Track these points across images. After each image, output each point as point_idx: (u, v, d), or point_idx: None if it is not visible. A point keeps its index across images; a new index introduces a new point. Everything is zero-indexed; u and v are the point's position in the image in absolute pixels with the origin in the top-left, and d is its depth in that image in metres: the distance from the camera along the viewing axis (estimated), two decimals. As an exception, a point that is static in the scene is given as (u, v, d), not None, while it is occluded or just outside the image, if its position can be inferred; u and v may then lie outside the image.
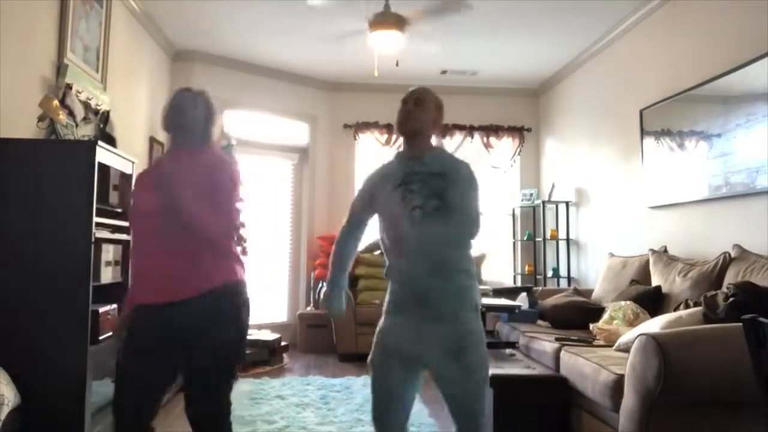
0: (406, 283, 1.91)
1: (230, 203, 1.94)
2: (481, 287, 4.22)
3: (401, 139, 2.10)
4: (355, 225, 2.24)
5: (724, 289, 2.71)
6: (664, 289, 3.36)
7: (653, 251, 3.75)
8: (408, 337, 1.87)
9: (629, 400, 2.21)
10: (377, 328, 1.97)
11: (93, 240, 2.50)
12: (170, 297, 1.84)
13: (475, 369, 1.83)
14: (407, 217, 1.86)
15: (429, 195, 1.88)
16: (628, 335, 2.87)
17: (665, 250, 3.72)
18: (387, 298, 1.99)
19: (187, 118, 2.01)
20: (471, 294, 1.91)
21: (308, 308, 5.86)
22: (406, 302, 1.90)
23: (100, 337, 2.59)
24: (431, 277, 1.86)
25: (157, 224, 1.87)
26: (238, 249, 2.11)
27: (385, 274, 2.01)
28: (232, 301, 1.94)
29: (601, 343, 3.14)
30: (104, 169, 2.69)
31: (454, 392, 1.85)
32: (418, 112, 2.02)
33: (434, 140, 2.07)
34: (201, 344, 1.87)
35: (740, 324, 1.29)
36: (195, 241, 1.86)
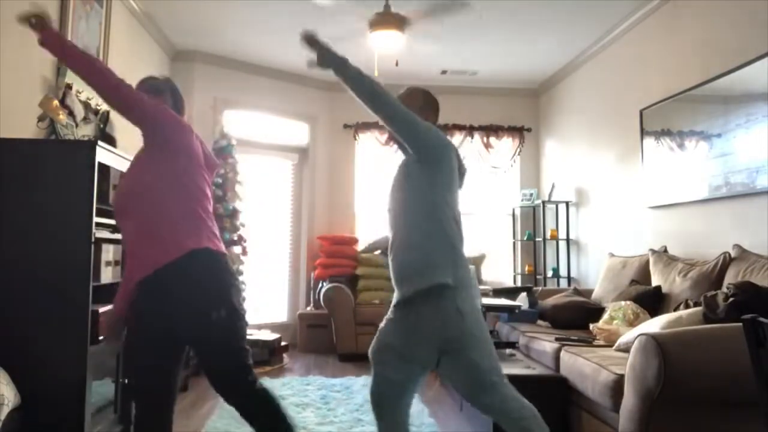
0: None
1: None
2: (481, 287, 4.23)
3: None
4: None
5: (724, 289, 2.71)
6: (664, 289, 3.36)
7: (653, 251, 3.75)
8: None
9: (629, 400, 2.21)
10: None
11: (93, 240, 2.50)
12: None
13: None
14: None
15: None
16: (628, 335, 2.87)
17: (665, 250, 3.72)
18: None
19: None
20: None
21: (308, 308, 5.86)
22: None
23: (100, 337, 2.59)
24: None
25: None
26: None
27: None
28: None
29: (601, 343, 3.14)
30: (104, 169, 2.69)
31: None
32: (407, 101, 2.06)
33: None
34: None
35: (740, 324, 1.29)
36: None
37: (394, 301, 1.97)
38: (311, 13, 4.44)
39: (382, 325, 2.00)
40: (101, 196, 2.63)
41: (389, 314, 1.98)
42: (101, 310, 2.61)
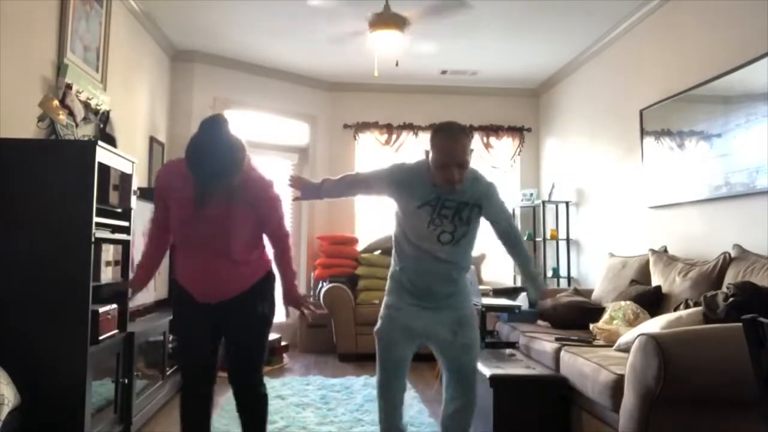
0: (418, 282, 2.22)
1: None
2: (481, 287, 4.23)
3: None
4: (363, 182, 2.42)
5: (724, 289, 2.71)
6: (664, 289, 3.36)
7: (653, 251, 3.75)
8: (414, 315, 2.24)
9: (629, 400, 2.21)
10: (384, 304, 2.32)
11: (93, 240, 2.50)
12: None
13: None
14: (434, 240, 2.15)
15: (459, 223, 2.16)
16: (628, 335, 2.87)
17: (665, 250, 3.72)
18: (394, 282, 2.30)
19: None
20: (469, 290, 2.41)
21: (308, 308, 5.85)
22: (415, 293, 2.23)
23: (100, 337, 2.59)
24: (446, 286, 2.23)
25: None
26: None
27: (399, 265, 2.28)
28: None
29: (601, 343, 3.14)
30: (104, 169, 2.69)
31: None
32: (462, 174, 2.10)
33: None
34: None
35: (740, 324, 1.30)
36: None
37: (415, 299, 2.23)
38: (311, 14, 4.44)
39: (395, 312, 2.25)
40: (101, 196, 2.63)
41: (409, 302, 2.23)
42: (101, 310, 2.61)
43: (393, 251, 2.32)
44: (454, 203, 2.13)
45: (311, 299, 2.16)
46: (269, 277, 2.29)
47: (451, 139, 2.08)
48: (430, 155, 2.12)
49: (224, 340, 2.24)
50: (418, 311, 2.22)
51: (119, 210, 2.97)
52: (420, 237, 2.16)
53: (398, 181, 2.20)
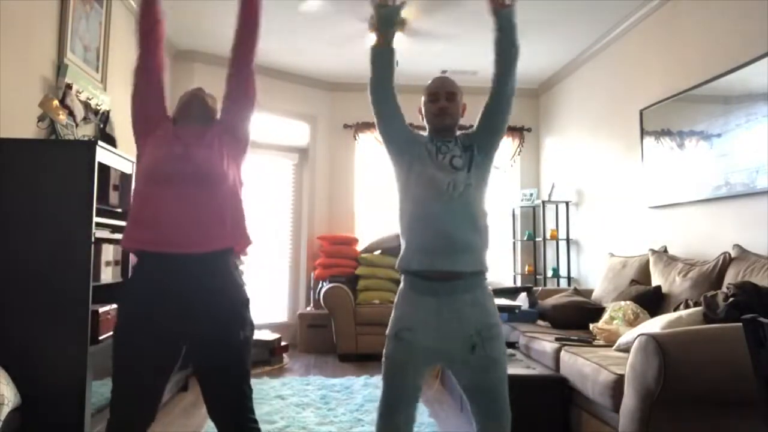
0: (437, 233, 1.92)
1: None
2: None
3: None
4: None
5: (724, 289, 2.71)
6: (664, 289, 3.36)
7: (653, 251, 3.75)
8: None
9: (629, 400, 2.21)
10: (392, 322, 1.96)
11: (93, 240, 2.50)
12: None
13: None
14: (447, 166, 1.96)
15: (465, 151, 2.01)
16: (628, 335, 2.87)
17: (665, 250, 3.72)
18: (402, 285, 1.99)
19: None
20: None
21: (308, 308, 5.86)
22: (431, 251, 1.90)
23: (100, 337, 2.59)
24: (471, 233, 1.93)
25: None
26: None
27: (409, 228, 1.97)
28: None
29: (601, 343, 3.14)
30: (104, 169, 2.69)
31: None
32: (453, 108, 2.08)
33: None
34: None
35: (740, 324, 1.29)
36: None
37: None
38: (311, 14, 4.44)
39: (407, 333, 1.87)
40: (101, 196, 2.63)
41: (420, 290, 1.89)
42: (101, 310, 2.61)
43: (399, 225, 1.98)
44: (452, 142, 2.05)
45: None
46: None
47: (439, 77, 2.16)
48: (422, 108, 2.12)
49: None
50: (430, 316, 1.84)
51: (119, 210, 2.97)
52: (434, 164, 1.95)
53: (409, 128, 2.12)
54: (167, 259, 1.71)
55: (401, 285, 1.96)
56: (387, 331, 1.91)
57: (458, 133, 2.10)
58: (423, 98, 2.12)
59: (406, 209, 1.96)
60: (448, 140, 2.03)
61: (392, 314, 1.94)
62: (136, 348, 1.69)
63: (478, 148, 2.02)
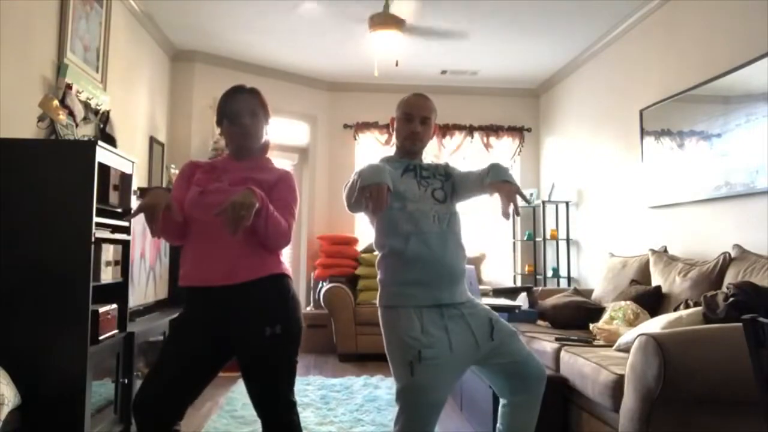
0: (431, 253, 1.98)
1: None
2: (481, 287, 4.23)
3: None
4: None
5: (724, 289, 2.71)
6: (664, 289, 3.36)
7: (653, 251, 3.74)
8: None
9: (629, 400, 2.21)
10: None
11: (93, 240, 2.50)
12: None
13: None
14: (429, 198, 2.04)
15: (442, 180, 2.11)
16: (628, 335, 2.87)
17: (665, 250, 3.72)
18: (393, 291, 2.02)
19: None
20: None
21: (308, 308, 5.86)
22: (428, 270, 1.95)
23: (100, 337, 2.59)
24: (459, 260, 2.08)
25: None
26: None
27: (401, 245, 1.99)
28: None
29: (601, 343, 3.14)
30: (104, 169, 2.69)
31: None
32: (425, 132, 2.11)
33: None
34: None
35: (740, 324, 1.29)
36: None
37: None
38: (311, 14, 4.44)
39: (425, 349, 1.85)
40: (101, 196, 2.63)
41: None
42: (101, 310, 2.61)
43: (383, 263, 2.00)
44: (428, 168, 2.12)
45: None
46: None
47: (416, 97, 2.14)
48: (395, 122, 2.15)
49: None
50: (436, 321, 1.89)
51: (119, 210, 2.97)
52: (415, 198, 1.99)
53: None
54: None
55: (388, 314, 1.95)
56: (396, 361, 1.86)
57: (432, 160, 2.18)
58: (397, 112, 2.15)
59: (393, 245, 1.97)
60: (425, 169, 2.10)
61: (392, 342, 1.91)
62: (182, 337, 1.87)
63: (452, 186, 2.13)
